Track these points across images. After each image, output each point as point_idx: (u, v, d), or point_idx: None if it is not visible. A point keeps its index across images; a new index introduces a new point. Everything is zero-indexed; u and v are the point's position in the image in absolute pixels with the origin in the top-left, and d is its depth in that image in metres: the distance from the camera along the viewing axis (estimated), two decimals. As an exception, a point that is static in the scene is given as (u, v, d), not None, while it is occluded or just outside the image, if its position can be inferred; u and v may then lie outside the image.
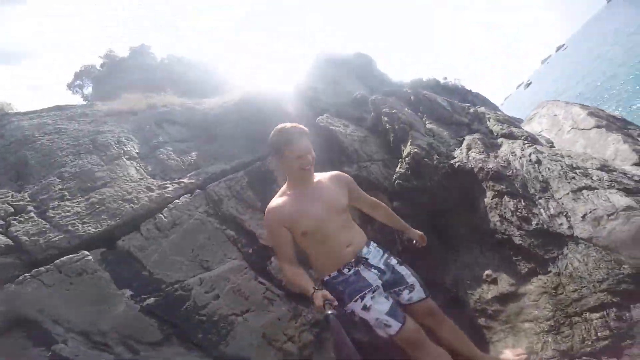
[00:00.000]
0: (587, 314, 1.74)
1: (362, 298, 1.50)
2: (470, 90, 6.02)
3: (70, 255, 1.91)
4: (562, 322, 1.78)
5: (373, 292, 1.52)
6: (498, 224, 2.21)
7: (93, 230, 2.03)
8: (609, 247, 1.75)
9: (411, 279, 1.67)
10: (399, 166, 2.79)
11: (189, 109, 3.09)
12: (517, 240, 2.13)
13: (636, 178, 2.11)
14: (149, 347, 1.87)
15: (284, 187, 1.68)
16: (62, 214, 2.03)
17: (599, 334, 1.67)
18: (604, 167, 2.15)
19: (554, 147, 3.07)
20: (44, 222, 1.98)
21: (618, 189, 1.94)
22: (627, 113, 8.88)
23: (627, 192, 1.93)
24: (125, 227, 2.13)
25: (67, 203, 2.09)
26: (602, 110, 3.69)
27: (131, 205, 2.20)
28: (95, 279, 1.92)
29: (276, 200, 1.62)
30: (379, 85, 5.07)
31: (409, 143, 2.74)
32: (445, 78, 6.30)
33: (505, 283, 2.13)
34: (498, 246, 2.29)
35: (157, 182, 2.41)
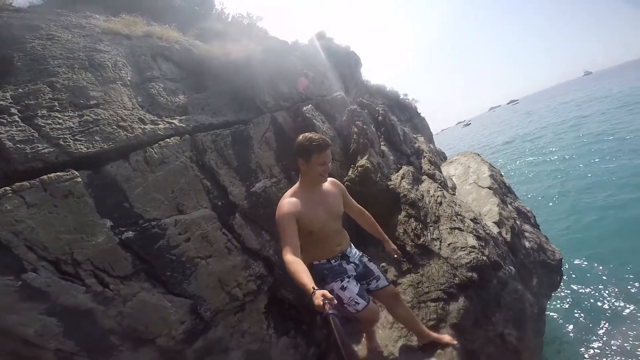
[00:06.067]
0: (428, 303, 2.64)
1: (342, 280, 1.92)
2: (419, 114, 6.77)
3: (60, 173, 1.82)
4: (414, 305, 2.67)
5: (349, 278, 1.95)
6: (400, 234, 3.15)
7: (85, 149, 1.99)
8: (453, 265, 2.76)
9: (377, 272, 2.14)
10: (350, 171, 3.48)
11: (186, 50, 2.99)
12: (408, 248, 3.08)
13: (487, 230, 3.29)
14: (118, 280, 1.94)
15: (296, 187, 1.91)
16: (53, 126, 1.95)
17: (430, 316, 2.56)
18: (474, 219, 3.28)
19: (455, 193, 4.21)
20: (32, 130, 1.87)
21: (474, 234, 3.03)
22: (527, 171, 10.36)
23: (477, 237, 3.01)
24: (115, 153, 2.13)
25: (58, 115, 2.00)
26: (501, 175, 4.94)
27: (126, 133, 2.21)
28: (80, 204, 1.84)
29: (290, 197, 1.82)
30: (352, 85, 5.52)
31: (365, 157, 3.43)
32: (406, 94, 6.84)
33: (391, 274, 3.02)
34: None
35: (148, 116, 2.43)
